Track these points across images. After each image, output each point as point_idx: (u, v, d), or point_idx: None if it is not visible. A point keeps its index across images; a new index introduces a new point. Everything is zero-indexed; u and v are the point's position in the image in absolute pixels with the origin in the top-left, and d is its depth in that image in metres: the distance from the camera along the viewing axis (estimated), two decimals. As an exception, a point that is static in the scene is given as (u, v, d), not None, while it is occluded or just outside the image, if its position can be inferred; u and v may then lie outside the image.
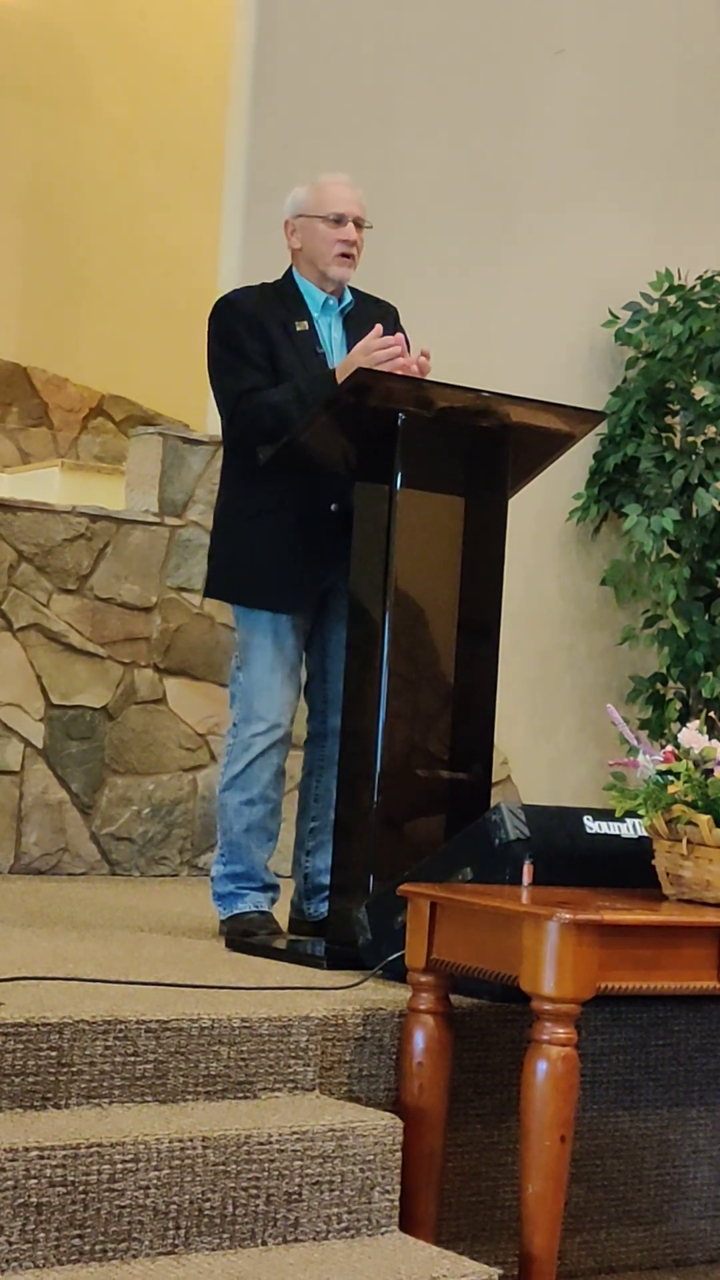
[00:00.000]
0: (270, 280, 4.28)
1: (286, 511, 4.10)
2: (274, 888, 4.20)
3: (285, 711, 4.14)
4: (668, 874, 3.35)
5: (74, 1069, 3.01)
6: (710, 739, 3.34)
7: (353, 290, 4.29)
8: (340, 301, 4.25)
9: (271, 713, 4.12)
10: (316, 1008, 3.32)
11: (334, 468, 4.01)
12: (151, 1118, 2.99)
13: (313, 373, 4.08)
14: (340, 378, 3.93)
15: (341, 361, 4.04)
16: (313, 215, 4.19)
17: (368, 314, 4.24)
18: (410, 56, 6.27)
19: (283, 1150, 2.98)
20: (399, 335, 3.99)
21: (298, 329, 4.16)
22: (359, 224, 4.19)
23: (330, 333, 4.22)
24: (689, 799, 3.26)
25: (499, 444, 4.03)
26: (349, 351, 4.08)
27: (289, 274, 4.26)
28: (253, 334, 4.13)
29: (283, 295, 4.21)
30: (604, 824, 3.53)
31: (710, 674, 6.29)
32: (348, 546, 3.95)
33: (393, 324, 4.25)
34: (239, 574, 4.17)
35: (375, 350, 3.94)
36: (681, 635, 6.35)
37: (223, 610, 5.73)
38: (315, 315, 4.21)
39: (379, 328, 4.04)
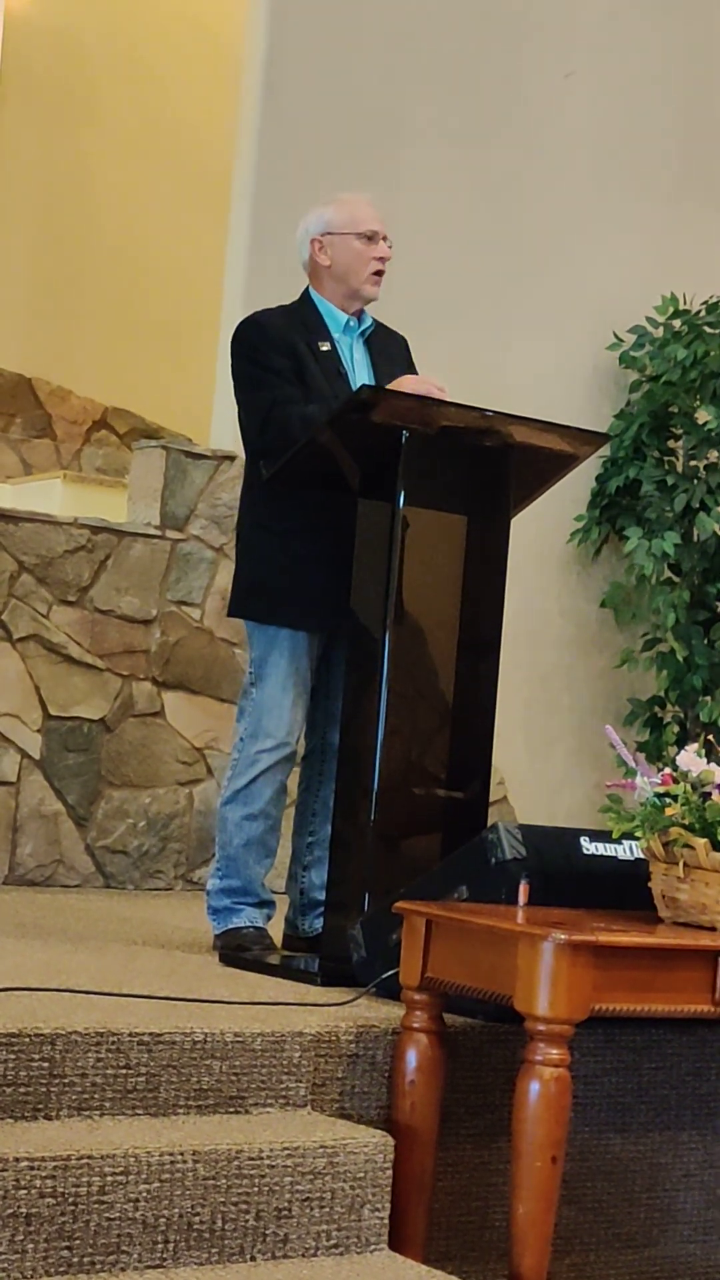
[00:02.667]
0: (279, 299, 4.27)
1: (311, 530, 4.08)
2: (269, 904, 4.19)
3: (293, 731, 4.14)
4: (664, 896, 3.34)
5: (65, 1080, 3.01)
6: (709, 762, 3.34)
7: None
8: (361, 323, 4.24)
9: (280, 731, 4.12)
10: (309, 1024, 3.32)
11: (337, 484, 4.00)
12: (142, 1131, 2.98)
13: (338, 392, 4.06)
14: None
15: (392, 383, 4.02)
16: (346, 232, 4.17)
17: (384, 339, 4.25)
18: (419, 76, 6.29)
19: (273, 1166, 2.98)
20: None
21: (322, 349, 4.15)
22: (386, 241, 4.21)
23: (352, 354, 4.21)
24: (686, 822, 3.26)
25: (502, 463, 4.04)
26: (371, 372, 4.11)
27: (306, 295, 4.24)
28: (280, 352, 4.10)
29: (303, 316, 4.19)
30: (601, 845, 3.53)
31: (709, 698, 6.29)
32: None
33: (404, 354, 4.26)
34: (261, 590, 4.15)
35: (432, 390, 3.95)
36: (680, 659, 6.35)
37: (222, 625, 5.73)
38: (336, 336, 4.20)
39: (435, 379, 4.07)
